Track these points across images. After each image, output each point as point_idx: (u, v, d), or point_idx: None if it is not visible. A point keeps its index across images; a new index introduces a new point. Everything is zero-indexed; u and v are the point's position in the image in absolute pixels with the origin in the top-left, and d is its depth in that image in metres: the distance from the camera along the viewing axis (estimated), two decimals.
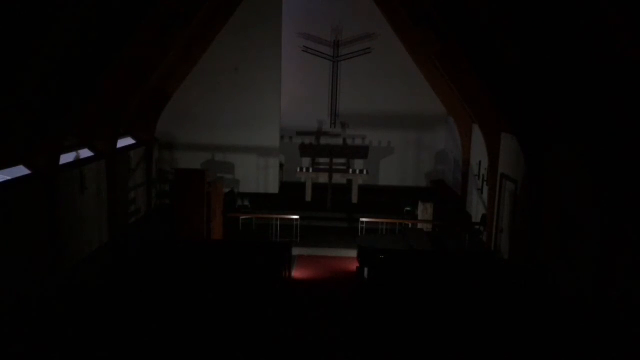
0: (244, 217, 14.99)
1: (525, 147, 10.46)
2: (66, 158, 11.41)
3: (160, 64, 12.99)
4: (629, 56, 5.66)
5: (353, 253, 13.03)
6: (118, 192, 13.22)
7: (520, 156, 10.92)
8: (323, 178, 17.25)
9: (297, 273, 12.36)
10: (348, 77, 19.15)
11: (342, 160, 19.10)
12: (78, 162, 12.04)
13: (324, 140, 19.55)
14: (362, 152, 19.26)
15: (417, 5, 12.71)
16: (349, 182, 17.71)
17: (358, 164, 19.04)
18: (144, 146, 15.95)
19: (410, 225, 14.63)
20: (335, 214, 16.11)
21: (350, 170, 17.89)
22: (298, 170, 17.73)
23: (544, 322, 7.86)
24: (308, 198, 17.24)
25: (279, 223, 14.18)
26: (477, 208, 15.22)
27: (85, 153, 12.50)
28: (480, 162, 14.80)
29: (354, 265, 12.63)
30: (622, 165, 7.36)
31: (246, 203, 16.15)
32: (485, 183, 14.03)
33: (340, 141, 19.52)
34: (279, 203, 16.60)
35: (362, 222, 14.31)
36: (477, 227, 14.56)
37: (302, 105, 19.29)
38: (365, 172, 17.57)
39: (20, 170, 9.76)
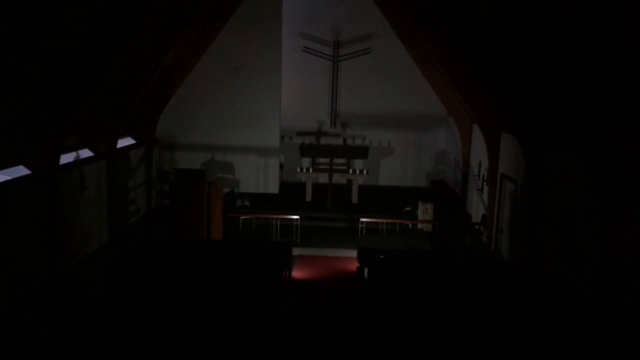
0: (244, 217, 14.99)
1: (525, 147, 10.46)
2: (66, 158, 11.41)
3: (160, 64, 12.99)
4: (628, 54, 5.66)
5: (353, 253, 13.02)
6: (118, 192, 13.22)
7: (520, 156, 10.92)
8: (323, 178, 17.26)
9: (297, 273, 12.35)
10: (348, 77, 19.15)
11: (342, 160, 19.11)
12: (78, 162, 12.04)
13: (324, 140, 19.55)
14: (362, 152, 19.27)
15: (417, 5, 12.71)
16: (349, 182, 17.71)
17: (358, 164, 19.05)
18: (144, 146, 15.95)
19: (410, 225, 14.63)
20: (335, 214, 16.11)
21: (350, 170, 17.90)
22: (298, 170, 17.73)
23: (544, 322, 7.86)
24: (308, 198, 17.24)
25: (279, 223, 14.18)
26: (477, 208, 15.22)
27: (85, 153, 12.50)
28: (480, 162, 14.80)
29: (354, 265, 12.63)
30: (622, 165, 7.35)
31: (246, 203, 16.15)
32: (485, 183, 14.03)
33: (340, 141, 19.53)
34: (279, 203, 16.60)
35: (362, 222, 14.30)
36: (477, 227, 14.56)
37: (302, 105, 19.30)
38: (365, 172, 17.57)
39: (20, 170, 9.76)
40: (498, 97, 10.70)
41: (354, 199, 17.22)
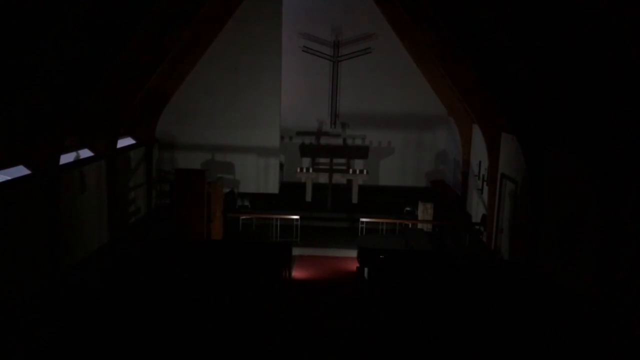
0: (244, 217, 14.99)
1: (525, 147, 10.46)
2: (66, 158, 11.41)
3: (160, 64, 12.99)
4: (629, 55, 5.66)
5: (353, 253, 13.03)
6: (118, 192, 13.22)
7: (520, 156, 10.92)
8: (323, 178, 17.25)
9: (297, 273, 12.36)
10: (348, 77, 19.15)
11: (342, 160, 19.10)
12: (78, 162, 12.04)
13: (324, 140, 19.55)
14: (362, 152, 19.26)
15: (417, 5, 12.72)
16: (349, 182, 17.71)
17: (358, 164, 19.05)
18: (144, 146, 15.95)
19: (410, 225, 14.63)
20: (335, 214, 16.11)
21: (350, 170, 17.89)
22: (298, 170, 17.73)
23: (544, 322, 7.86)
24: (308, 198, 17.24)
25: (279, 223, 14.18)
26: (477, 208, 15.22)
27: (85, 153, 12.50)
28: (480, 162, 14.80)
29: (354, 265, 12.63)
30: (622, 164, 7.36)
31: (246, 203, 16.14)
32: (485, 183, 14.03)
33: (340, 141, 19.53)
34: (279, 203, 16.60)
35: (362, 222, 14.30)
36: (477, 227, 14.56)
37: (302, 105, 19.29)
38: (365, 172, 17.56)
39: (20, 170, 9.76)
40: (498, 97, 10.70)
41: (354, 199, 17.22)
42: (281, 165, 18.49)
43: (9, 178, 9.63)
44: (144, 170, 16.00)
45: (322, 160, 18.98)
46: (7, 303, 8.84)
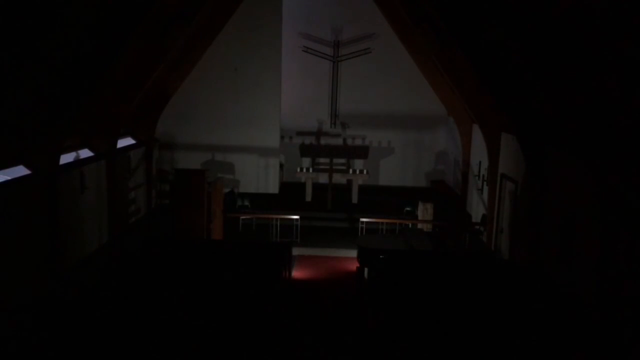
0: (244, 217, 14.98)
1: (525, 147, 10.46)
2: (66, 158, 11.41)
3: (160, 64, 12.99)
4: (629, 55, 5.66)
5: (353, 253, 13.02)
6: (118, 192, 13.22)
7: (520, 156, 10.92)
8: (323, 178, 17.26)
9: (297, 273, 12.36)
10: (348, 77, 19.15)
11: (342, 160, 19.11)
12: (78, 162, 12.03)
13: (324, 140, 19.55)
14: (362, 152, 19.26)
15: (417, 5, 12.72)
16: (349, 182, 17.71)
17: (358, 164, 19.05)
18: (144, 146, 15.95)
19: (410, 225, 14.62)
20: (335, 214, 16.10)
21: (350, 170, 17.89)
22: (298, 170, 17.72)
23: (544, 322, 7.86)
24: (308, 198, 17.24)
25: (279, 223, 14.18)
26: (477, 208, 15.22)
27: (85, 153, 12.50)
28: (480, 162, 14.80)
29: (354, 265, 12.62)
30: (622, 165, 7.35)
31: (246, 203, 16.14)
32: (485, 183, 14.03)
33: (340, 141, 19.53)
34: (279, 203, 16.60)
35: (362, 222, 14.30)
36: (477, 227, 14.56)
37: (302, 105, 19.29)
38: (365, 172, 17.56)
39: (20, 170, 9.75)
40: (498, 97, 10.70)
41: (354, 199, 17.22)
42: (281, 165, 18.49)
43: (9, 178, 9.63)
44: (144, 170, 16.00)
45: (322, 160, 19.00)
46: (7, 303, 8.84)
